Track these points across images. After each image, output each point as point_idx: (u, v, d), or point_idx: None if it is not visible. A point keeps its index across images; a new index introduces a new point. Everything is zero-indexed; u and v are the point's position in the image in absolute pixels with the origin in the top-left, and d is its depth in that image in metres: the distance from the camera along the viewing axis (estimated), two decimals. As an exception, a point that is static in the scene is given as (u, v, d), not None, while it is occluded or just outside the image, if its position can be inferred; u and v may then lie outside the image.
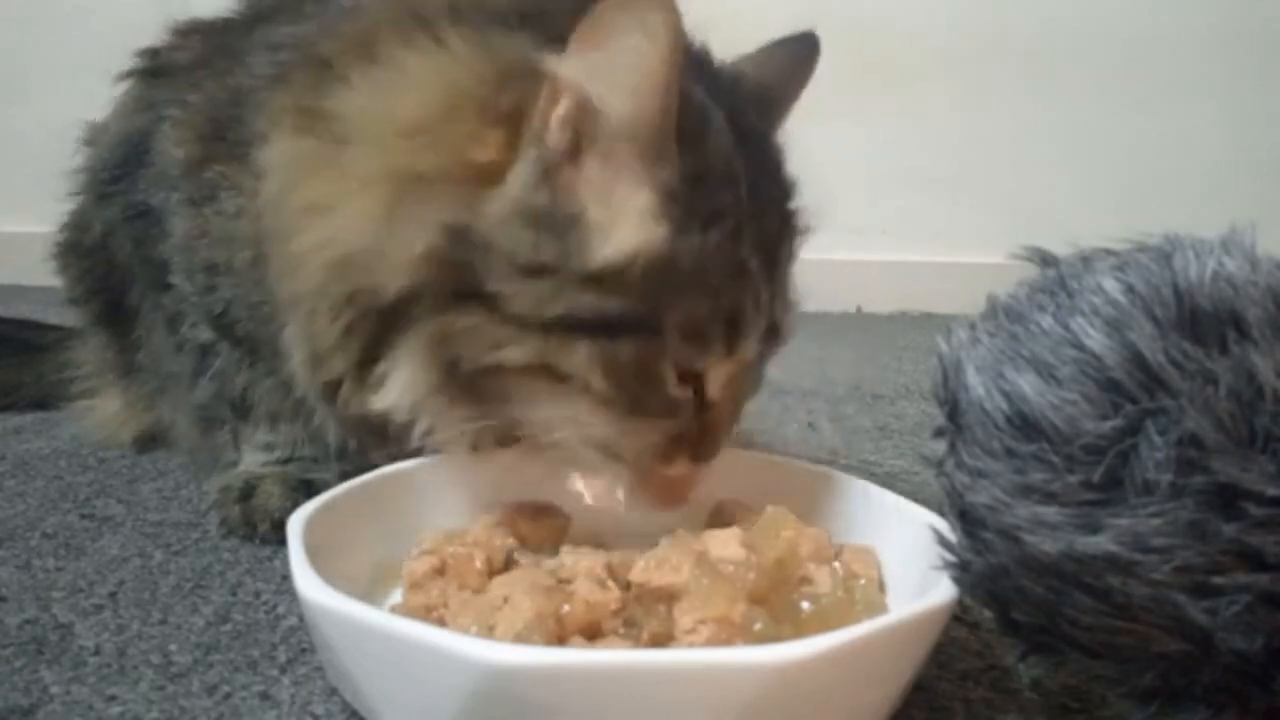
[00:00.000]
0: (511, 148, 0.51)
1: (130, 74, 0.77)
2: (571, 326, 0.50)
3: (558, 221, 0.50)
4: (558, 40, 0.50)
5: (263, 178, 0.58)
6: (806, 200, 0.59)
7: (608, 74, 0.48)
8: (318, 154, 0.56)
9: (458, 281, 0.51)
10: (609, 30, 0.47)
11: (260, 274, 0.61)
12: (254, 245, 0.61)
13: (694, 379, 0.52)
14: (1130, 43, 1.72)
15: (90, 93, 0.77)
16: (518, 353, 0.51)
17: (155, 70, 0.75)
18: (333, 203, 0.54)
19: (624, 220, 0.50)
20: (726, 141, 0.53)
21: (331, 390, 0.58)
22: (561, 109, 0.50)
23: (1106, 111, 1.74)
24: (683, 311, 0.50)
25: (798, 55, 0.65)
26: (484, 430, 0.55)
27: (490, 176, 0.51)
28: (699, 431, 0.54)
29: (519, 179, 0.51)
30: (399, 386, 0.54)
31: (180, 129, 0.67)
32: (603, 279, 0.49)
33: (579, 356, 0.50)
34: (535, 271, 0.50)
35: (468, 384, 0.53)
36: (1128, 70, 1.73)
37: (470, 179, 0.51)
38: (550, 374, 0.51)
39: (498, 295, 0.50)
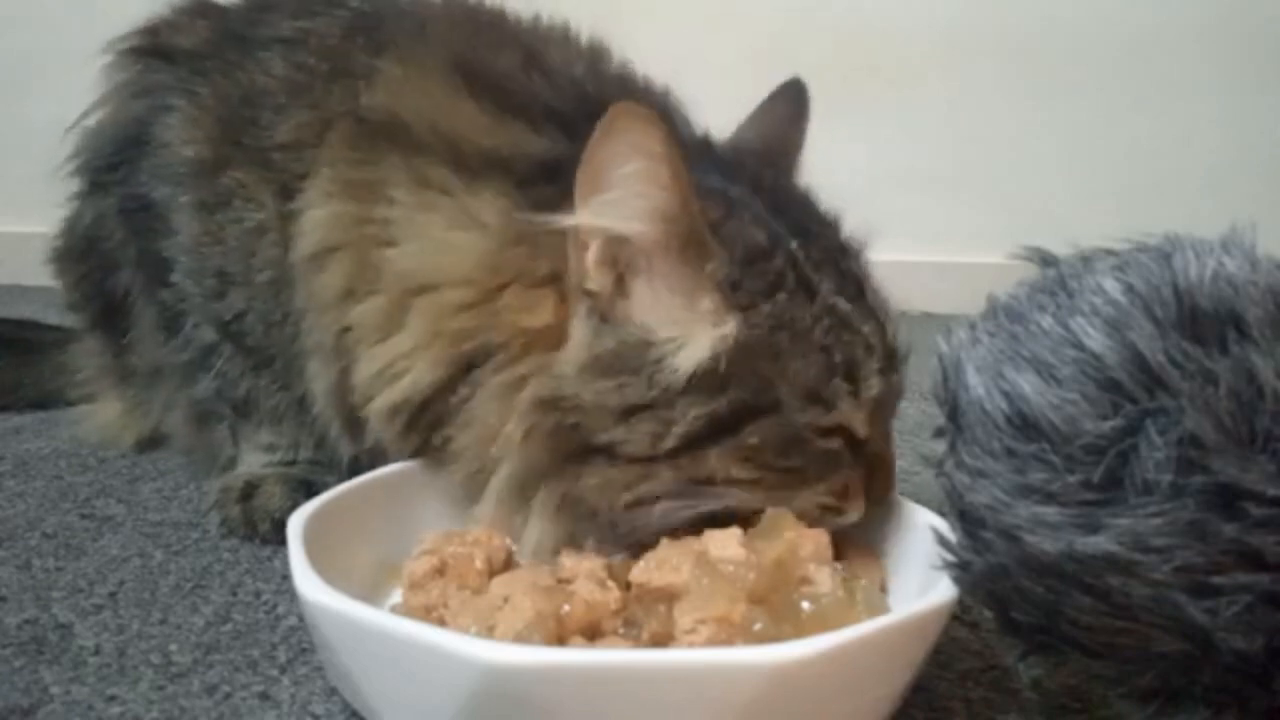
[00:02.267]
0: (563, 305, 0.52)
1: (126, 52, 0.73)
2: (694, 444, 0.50)
3: (631, 357, 0.50)
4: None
5: (302, 226, 0.59)
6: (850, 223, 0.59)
7: (622, 207, 0.49)
8: (371, 273, 0.57)
9: (569, 445, 0.51)
10: (606, 168, 0.48)
11: (282, 294, 0.61)
12: (277, 267, 0.61)
13: (838, 431, 0.52)
14: (1130, 42, 1.72)
15: (91, 93, 0.77)
16: (655, 485, 0.50)
17: (155, 51, 0.72)
18: (399, 370, 0.56)
19: (693, 328, 0.50)
20: (757, 211, 0.53)
21: (356, 419, 0.59)
22: (593, 254, 0.50)
23: (1106, 111, 1.74)
24: (790, 379, 0.50)
25: (791, 104, 0.65)
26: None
27: (552, 339, 0.52)
28: (868, 475, 0.53)
29: (580, 333, 0.51)
30: (534, 541, 0.53)
31: (189, 126, 0.66)
32: (701, 387, 0.49)
33: (718, 462, 0.50)
34: (633, 412, 0.50)
35: (608, 522, 0.52)
36: (1127, 70, 1.73)
37: (534, 346, 0.52)
38: (694, 484, 0.50)
39: (611, 445, 0.50)
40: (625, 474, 0.50)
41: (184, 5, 0.74)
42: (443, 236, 0.55)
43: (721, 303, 0.50)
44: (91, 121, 0.75)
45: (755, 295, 0.50)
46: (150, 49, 0.72)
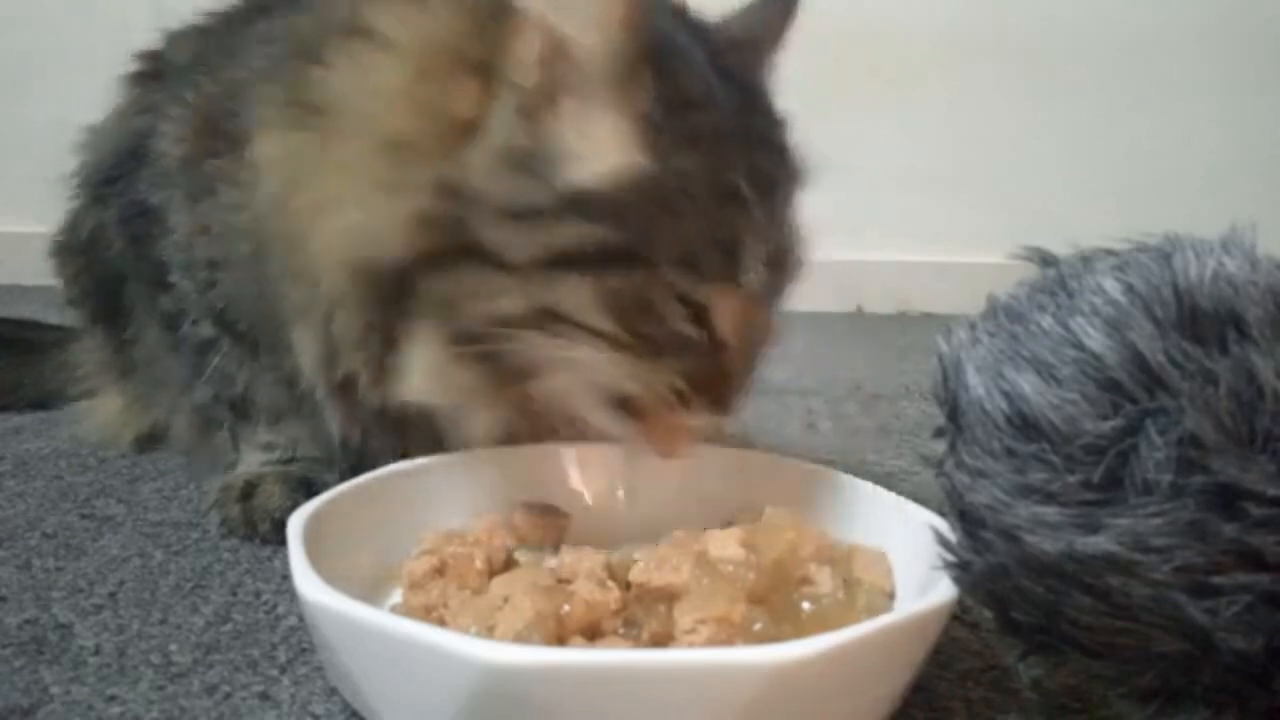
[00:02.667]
0: (489, 96, 0.51)
1: (129, 78, 0.77)
2: (563, 263, 0.49)
3: (539, 160, 0.50)
4: None
5: (258, 174, 0.58)
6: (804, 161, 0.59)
7: (574, 8, 0.49)
8: (311, 148, 0.56)
9: (453, 240, 0.51)
10: None
11: (261, 267, 0.61)
12: (253, 239, 0.61)
13: (700, 313, 0.51)
14: (1130, 42, 1.72)
15: (90, 93, 0.77)
16: (519, 301, 0.50)
17: (153, 73, 0.75)
18: (336, 197, 0.54)
19: (601, 146, 0.49)
20: (706, 74, 0.53)
21: (344, 387, 0.58)
22: (532, 48, 0.50)
23: (1106, 111, 1.74)
24: (673, 237, 0.49)
25: (775, 9, 0.64)
26: (507, 411, 0.55)
27: (472, 128, 0.51)
28: (715, 376, 0.52)
29: (498, 124, 0.51)
30: (419, 369, 0.54)
31: (178, 126, 0.67)
32: (588, 208, 0.49)
33: (576, 295, 0.49)
34: (524, 215, 0.50)
35: (484, 357, 0.52)
36: (1127, 70, 1.73)
37: (453, 134, 0.51)
38: (554, 322, 0.50)
39: (492, 246, 0.50)
40: (495, 283, 0.50)
41: (178, 30, 0.76)
42: (385, 33, 0.54)
43: (637, 135, 0.50)
44: (96, 137, 0.78)
45: (673, 143, 0.50)
46: (149, 72, 0.76)
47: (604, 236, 0.49)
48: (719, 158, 0.51)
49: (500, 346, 0.51)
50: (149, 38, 0.77)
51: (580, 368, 0.51)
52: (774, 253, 0.53)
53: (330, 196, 0.55)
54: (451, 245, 0.51)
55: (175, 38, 0.76)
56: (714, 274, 0.50)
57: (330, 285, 0.55)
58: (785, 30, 0.63)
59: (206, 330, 0.67)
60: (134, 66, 0.77)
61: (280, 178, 0.57)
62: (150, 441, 0.83)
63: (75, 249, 0.79)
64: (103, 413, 0.85)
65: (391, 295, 0.53)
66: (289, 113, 0.57)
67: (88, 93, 0.77)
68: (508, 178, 0.50)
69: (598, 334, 0.50)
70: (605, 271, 0.49)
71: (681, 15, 0.59)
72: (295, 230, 0.56)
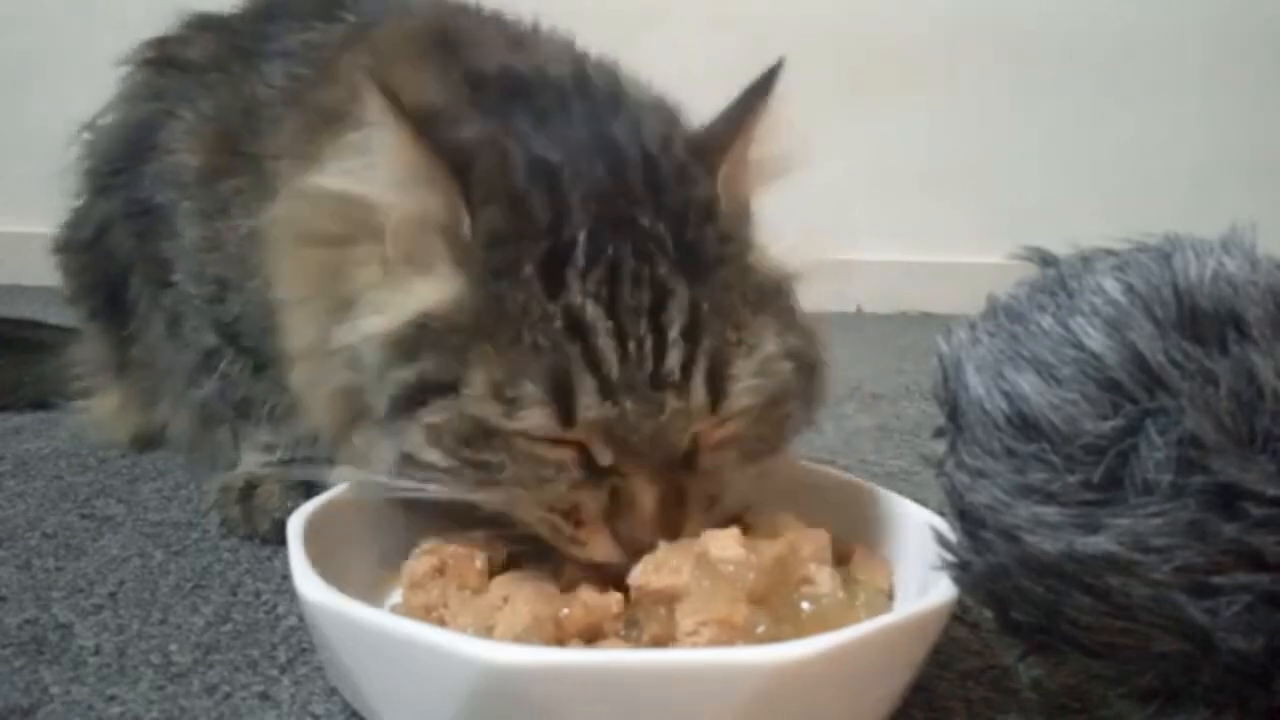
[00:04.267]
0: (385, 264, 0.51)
1: (136, 62, 0.76)
2: (396, 411, 0.49)
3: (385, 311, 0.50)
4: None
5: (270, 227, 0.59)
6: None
7: (362, 174, 0.49)
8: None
9: (358, 408, 0.51)
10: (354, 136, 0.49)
11: (268, 292, 0.61)
12: (261, 267, 0.61)
13: (567, 444, 0.47)
14: (1130, 42, 1.72)
15: (90, 93, 0.77)
16: (390, 452, 0.50)
17: (163, 61, 0.74)
18: (299, 322, 0.56)
19: (420, 284, 0.48)
20: (563, 195, 0.48)
21: None
22: (389, 218, 0.49)
23: (1106, 111, 1.74)
24: (478, 364, 0.46)
25: (746, 98, 0.54)
26: None
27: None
28: (609, 507, 0.47)
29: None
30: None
31: (193, 136, 0.67)
32: (402, 352, 0.48)
33: (412, 437, 0.48)
34: (381, 371, 0.49)
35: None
36: (1128, 70, 1.73)
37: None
38: (409, 461, 0.49)
39: (371, 407, 0.50)
40: (378, 438, 0.50)
41: (190, 19, 0.75)
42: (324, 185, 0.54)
43: (447, 273, 0.48)
44: (100, 125, 0.77)
45: (488, 274, 0.47)
46: (160, 59, 0.75)
47: (415, 376, 0.48)
48: (547, 281, 0.46)
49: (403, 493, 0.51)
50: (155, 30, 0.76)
51: (458, 495, 0.49)
52: (640, 375, 0.46)
53: (294, 328, 0.56)
54: (355, 413, 0.52)
55: (187, 29, 0.75)
56: (535, 409, 0.45)
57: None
58: (752, 115, 0.53)
59: (210, 339, 0.68)
60: (142, 52, 0.76)
61: (275, 274, 0.58)
62: (150, 441, 0.83)
63: (79, 245, 0.79)
64: (100, 410, 0.85)
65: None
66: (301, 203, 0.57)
67: (88, 93, 0.77)
68: (372, 347, 0.50)
69: (444, 471, 0.48)
70: (425, 405, 0.48)
71: (587, 101, 0.55)
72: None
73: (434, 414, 0.47)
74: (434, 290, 0.48)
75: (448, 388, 0.47)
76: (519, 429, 0.46)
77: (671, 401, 0.46)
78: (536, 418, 0.45)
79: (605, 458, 0.47)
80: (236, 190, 0.63)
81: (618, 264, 0.47)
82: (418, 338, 0.48)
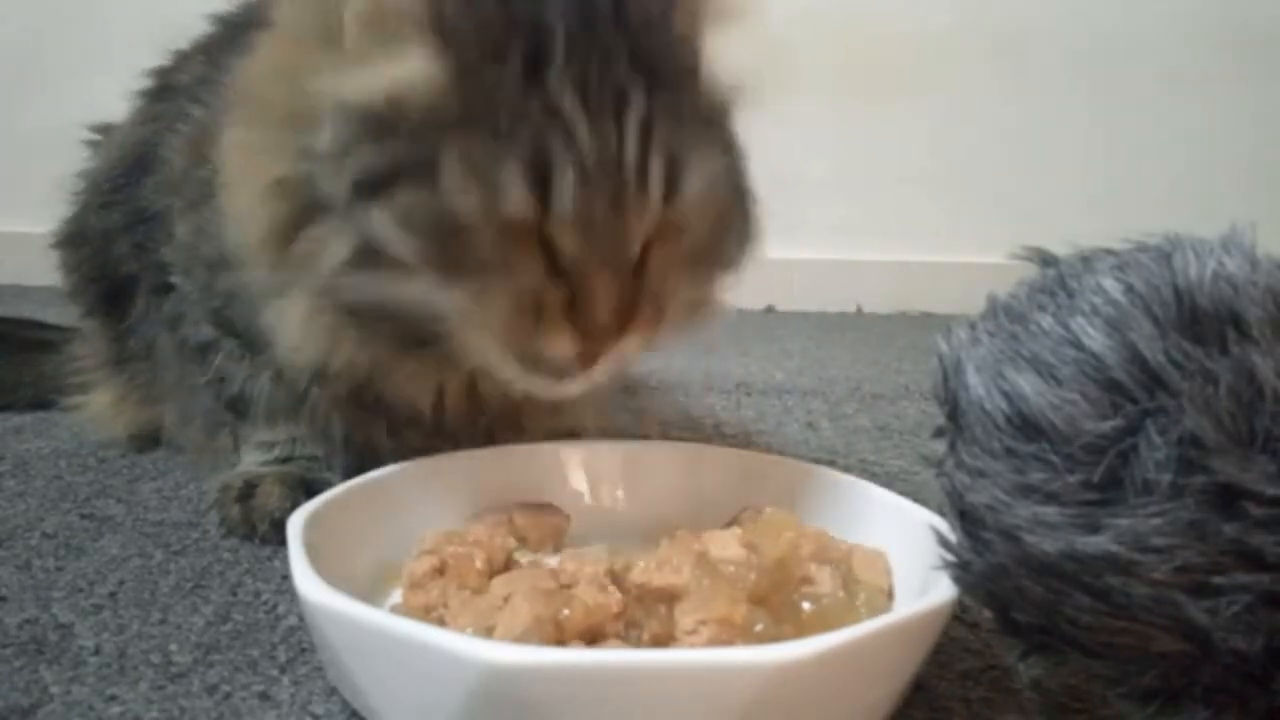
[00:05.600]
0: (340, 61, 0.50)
1: (139, 92, 0.79)
2: (367, 188, 0.48)
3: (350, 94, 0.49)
4: None
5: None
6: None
7: None
8: (234, 138, 0.57)
9: (304, 199, 0.51)
10: None
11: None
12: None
13: (531, 232, 0.48)
14: (1131, 43, 1.72)
15: (90, 94, 0.78)
16: (346, 241, 0.49)
17: (160, 89, 0.78)
18: (237, 181, 0.56)
19: (389, 62, 0.47)
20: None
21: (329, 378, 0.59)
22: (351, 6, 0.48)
23: (1106, 111, 1.74)
24: (460, 154, 0.46)
25: None
26: (427, 371, 0.56)
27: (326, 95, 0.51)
28: (568, 300, 0.49)
29: (334, 82, 0.50)
30: (287, 326, 0.54)
31: (183, 141, 0.69)
32: (374, 131, 0.48)
33: (378, 224, 0.48)
34: (341, 153, 0.49)
35: (347, 310, 0.52)
36: (1128, 70, 1.73)
37: (313, 104, 0.51)
38: (376, 258, 0.49)
39: (326, 192, 0.50)
40: (327, 232, 0.50)
41: (183, 49, 0.78)
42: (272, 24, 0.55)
43: (424, 48, 0.47)
44: (103, 143, 0.81)
45: (464, 54, 0.47)
46: (156, 89, 0.78)
47: (387, 156, 0.48)
48: (529, 67, 0.47)
49: (350, 295, 0.51)
50: (148, 39, 0.78)
51: (413, 298, 0.50)
52: (607, 166, 0.48)
53: (234, 181, 0.56)
54: (301, 205, 0.51)
55: (179, 58, 0.79)
56: (514, 194, 0.47)
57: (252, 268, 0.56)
58: None
59: (207, 332, 0.68)
60: (144, 83, 0.79)
61: (222, 171, 0.58)
62: (147, 437, 0.83)
63: (79, 241, 0.80)
64: (96, 406, 0.85)
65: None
66: (229, 111, 0.59)
67: (87, 94, 0.77)
68: (337, 122, 0.49)
69: (410, 261, 0.48)
70: (398, 192, 0.48)
71: None
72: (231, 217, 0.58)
73: (405, 197, 0.47)
74: (409, 68, 0.47)
75: (422, 171, 0.47)
76: (496, 214, 0.47)
77: (633, 193, 0.49)
78: (516, 203, 0.47)
79: (572, 248, 0.48)
80: (215, 173, 0.64)
81: (587, 65, 0.48)
82: (389, 118, 0.47)
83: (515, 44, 0.47)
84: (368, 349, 0.55)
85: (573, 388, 0.52)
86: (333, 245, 0.50)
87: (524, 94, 0.47)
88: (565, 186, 0.47)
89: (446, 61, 0.47)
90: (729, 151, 0.55)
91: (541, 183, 0.47)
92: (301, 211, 0.51)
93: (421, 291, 0.49)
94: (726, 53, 0.55)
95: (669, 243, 0.52)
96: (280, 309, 0.55)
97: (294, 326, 0.55)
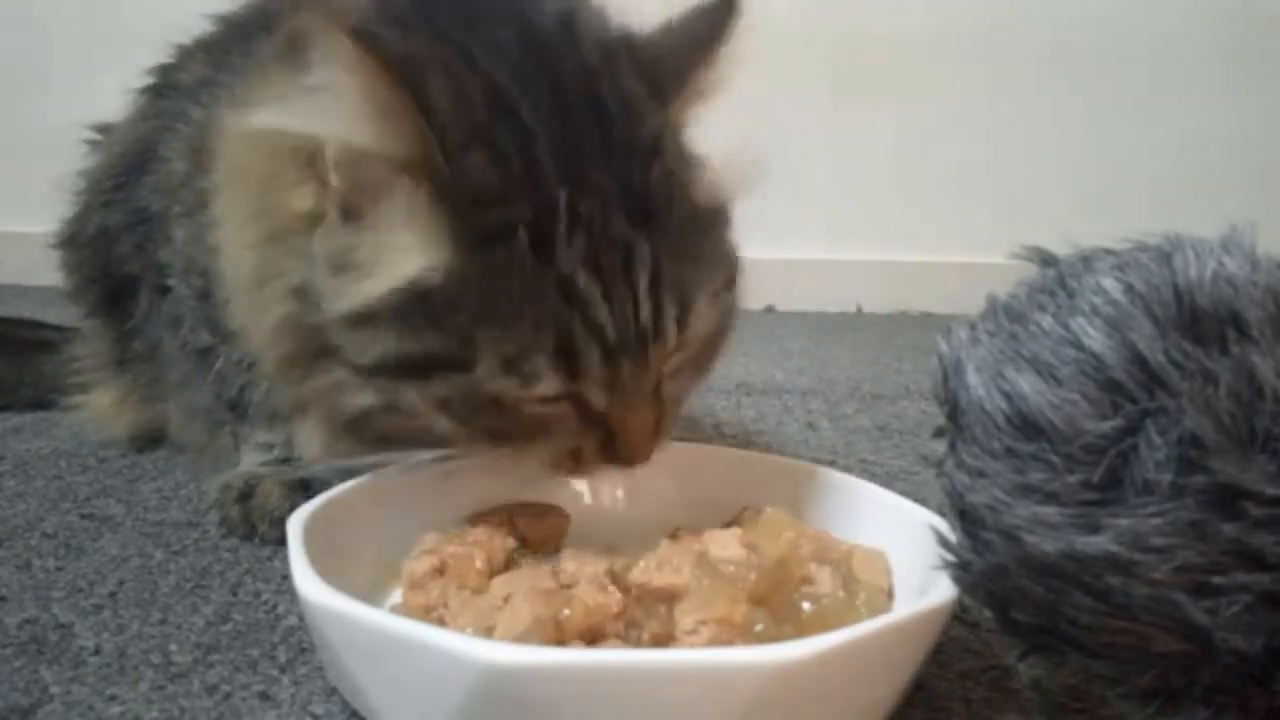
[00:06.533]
0: (325, 191, 0.50)
1: (141, 89, 0.79)
2: (389, 372, 0.49)
3: (358, 265, 0.48)
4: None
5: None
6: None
7: (343, 108, 0.46)
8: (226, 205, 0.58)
9: (313, 344, 0.51)
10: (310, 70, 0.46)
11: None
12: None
13: (563, 398, 0.50)
14: (1130, 44, 1.72)
15: (91, 94, 0.78)
16: (367, 398, 0.50)
17: (162, 86, 0.78)
18: (233, 261, 0.57)
19: (402, 249, 0.47)
20: (532, 143, 0.48)
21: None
22: (330, 153, 0.48)
23: (1106, 112, 1.74)
24: (490, 343, 0.47)
25: (707, 20, 0.54)
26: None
27: (316, 222, 0.51)
28: (603, 442, 0.52)
29: (328, 222, 0.50)
30: (313, 446, 0.57)
31: (183, 143, 0.68)
32: (401, 319, 0.48)
33: (410, 398, 0.49)
34: (353, 319, 0.49)
35: (366, 434, 0.53)
36: (1128, 71, 1.73)
37: (301, 229, 0.51)
38: (405, 414, 0.50)
39: (339, 348, 0.50)
40: (348, 381, 0.51)
41: (185, 46, 0.78)
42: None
43: (433, 236, 0.47)
44: (104, 142, 0.80)
45: (476, 239, 0.46)
46: (158, 86, 0.78)
47: (419, 348, 0.48)
48: (539, 248, 0.47)
49: (376, 428, 0.52)
50: (150, 39, 0.78)
51: (454, 443, 0.52)
52: (629, 333, 0.49)
53: (230, 260, 0.57)
54: (311, 349, 0.51)
55: (181, 56, 0.78)
56: (546, 378, 0.48)
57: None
58: (717, 43, 0.54)
59: (204, 338, 0.68)
60: (147, 80, 0.79)
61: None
62: (148, 437, 0.83)
63: (80, 241, 0.80)
64: (96, 406, 0.85)
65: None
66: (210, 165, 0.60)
67: (88, 94, 0.77)
68: (335, 279, 0.49)
69: (447, 429, 0.50)
70: (428, 380, 0.48)
71: (570, 37, 0.53)
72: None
73: (442, 388, 0.49)
74: (417, 255, 0.47)
75: (457, 366, 0.48)
76: (533, 396, 0.49)
77: (652, 348, 0.51)
78: (549, 385, 0.49)
79: (602, 403, 0.51)
80: (214, 184, 0.64)
81: (590, 224, 0.48)
82: (411, 309, 0.47)
83: (522, 215, 0.47)
84: (390, 449, 0.56)
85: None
86: (353, 397, 0.51)
87: (537, 272, 0.47)
88: (593, 362, 0.49)
89: (455, 241, 0.47)
90: (727, 253, 0.56)
91: (570, 358, 0.48)
92: (312, 356, 0.52)
93: (464, 446, 0.51)
94: (712, 127, 0.56)
95: (680, 359, 0.54)
96: (302, 426, 0.57)
97: (315, 445, 0.56)
